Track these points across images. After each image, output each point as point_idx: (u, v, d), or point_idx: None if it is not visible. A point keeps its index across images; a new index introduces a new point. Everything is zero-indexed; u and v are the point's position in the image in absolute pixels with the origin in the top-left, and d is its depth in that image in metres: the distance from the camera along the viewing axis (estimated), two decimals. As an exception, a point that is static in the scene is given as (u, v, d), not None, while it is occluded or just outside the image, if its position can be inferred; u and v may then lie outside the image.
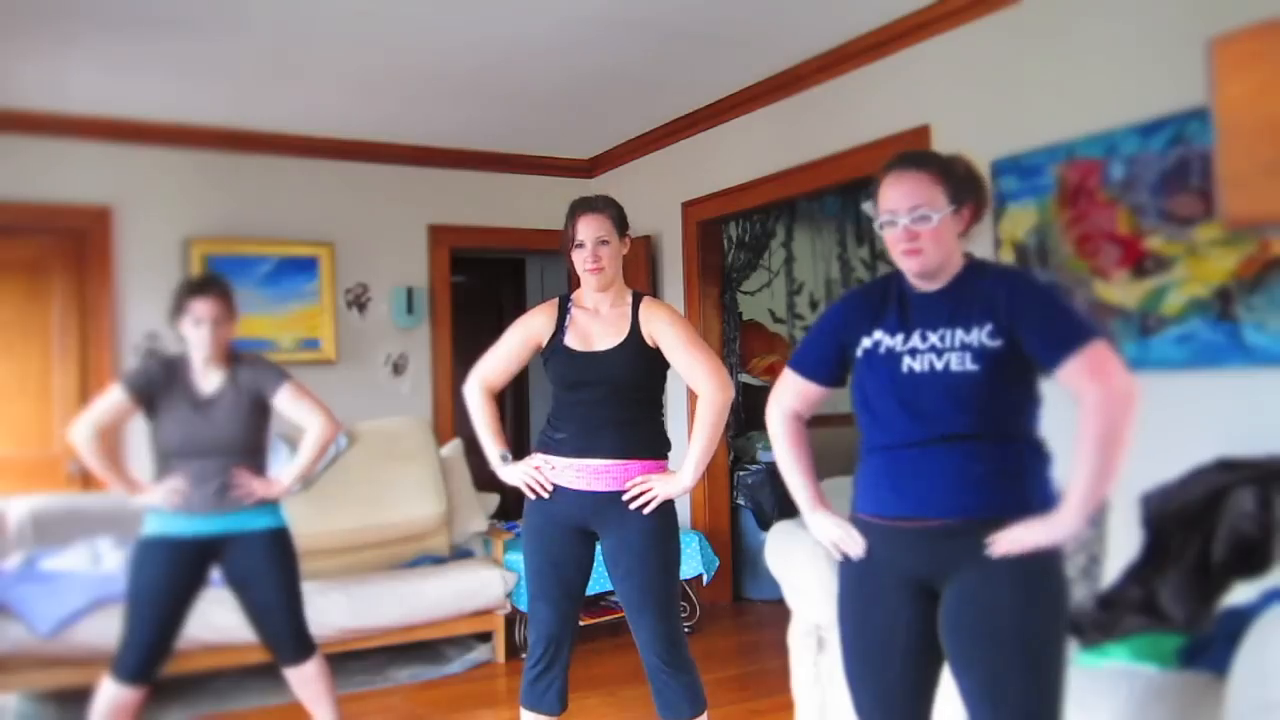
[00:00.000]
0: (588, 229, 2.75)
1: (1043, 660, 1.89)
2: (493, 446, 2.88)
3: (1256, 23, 1.62)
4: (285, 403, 3.06)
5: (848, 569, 2.12)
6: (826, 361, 2.17)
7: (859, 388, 2.10)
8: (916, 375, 1.98)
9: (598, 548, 2.82)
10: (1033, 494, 1.94)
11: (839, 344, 2.13)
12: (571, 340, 2.79)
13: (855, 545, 2.08)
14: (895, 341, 2.03)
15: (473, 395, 2.91)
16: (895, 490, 2.00)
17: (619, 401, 2.73)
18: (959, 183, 2.01)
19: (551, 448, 2.77)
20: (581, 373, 2.75)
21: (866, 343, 2.07)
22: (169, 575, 2.94)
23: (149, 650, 2.91)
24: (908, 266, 2.03)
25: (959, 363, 1.94)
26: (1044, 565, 1.92)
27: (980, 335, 1.94)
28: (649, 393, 2.79)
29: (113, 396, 3.01)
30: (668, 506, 2.75)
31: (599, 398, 2.73)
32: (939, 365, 1.96)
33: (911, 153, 2.10)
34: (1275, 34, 1.60)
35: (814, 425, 2.27)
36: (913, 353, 2.00)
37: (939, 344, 1.98)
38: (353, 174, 5.86)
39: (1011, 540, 1.88)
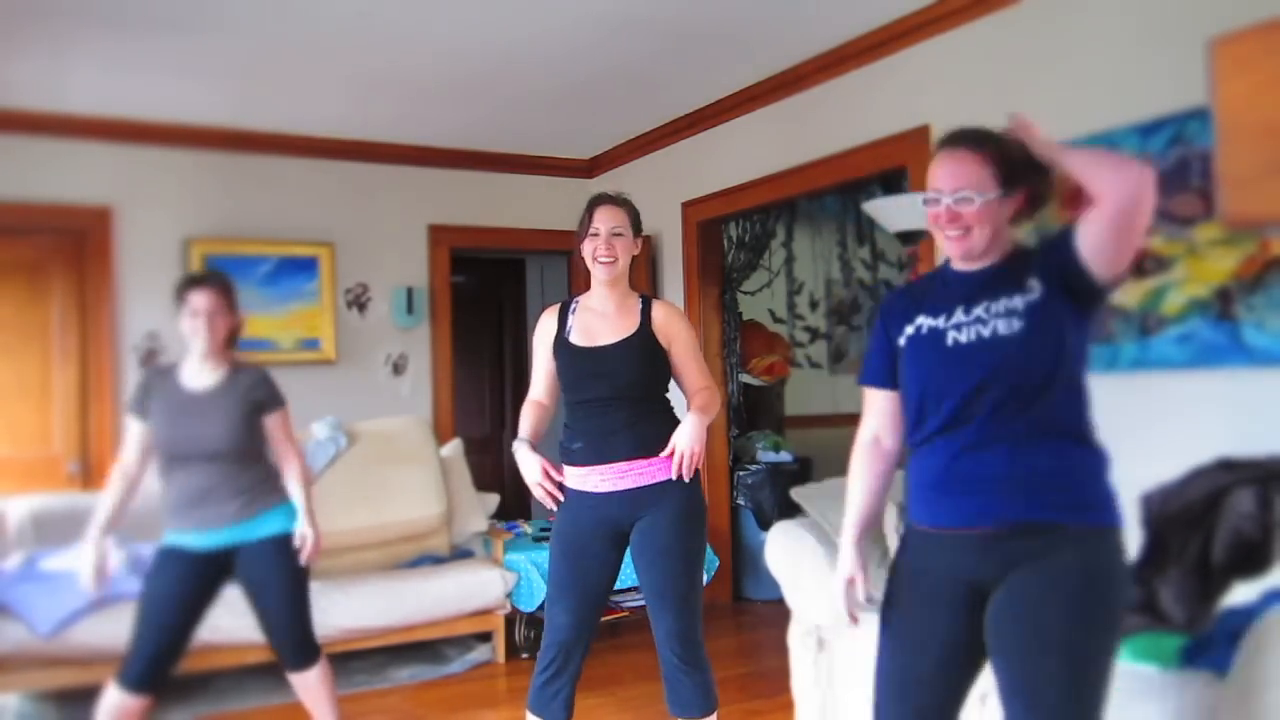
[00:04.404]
0: (603, 219, 2.75)
1: (1087, 669, 1.82)
2: (523, 433, 2.82)
3: (1256, 23, 1.63)
4: (275, 427, 3.06)
5: (900, 572, 2.06)
6: (886, 365, 2.10)
7: (904, 374, 2.04)
8: (963, 346, 1.92)
9: (626, 554, 2.81)
10: (1091, 495, 1.88)
11: (889, 341, 2.08)
12: (575, 336, 2.79)
13: (857, 608, 2.10)
14: (938, 321, 1.98)
15: (526, 404, 2.91)
16: (948, 496, 1.93)
17: (626, 402, 2.71)
18: (1013, 165, 1.94)
19: (571, 457, 2.76)
20: (585, 368, 2.74)
21: (909, 330, 2.02)
22: (179, 586, 2.93)
23: (154, 660, 2.90)
24: (950, 249, 1.98)
25: (1006, 327, 1.89)
26: (1106, 575, 1.85)
27: (1021, 298, 1.89)
28: (654, 390, 2.77)
29: (130, 430, 3.04)
30: (697, 505, 2.74)
31: (605, 398, 2.71)
32: (986, 333, 1.91)
33: (968, 130, 2.01)
34: (1275, 34, 1.60)
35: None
36: (958, 327, 1.95)
37: (984, 314, 1.92)
38: (353, 174, 5.86)
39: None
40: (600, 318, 2.79)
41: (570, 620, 2.74)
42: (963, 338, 1.93)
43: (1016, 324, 1.88)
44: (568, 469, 2.77)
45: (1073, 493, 1.86)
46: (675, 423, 2.76)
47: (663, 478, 2.69)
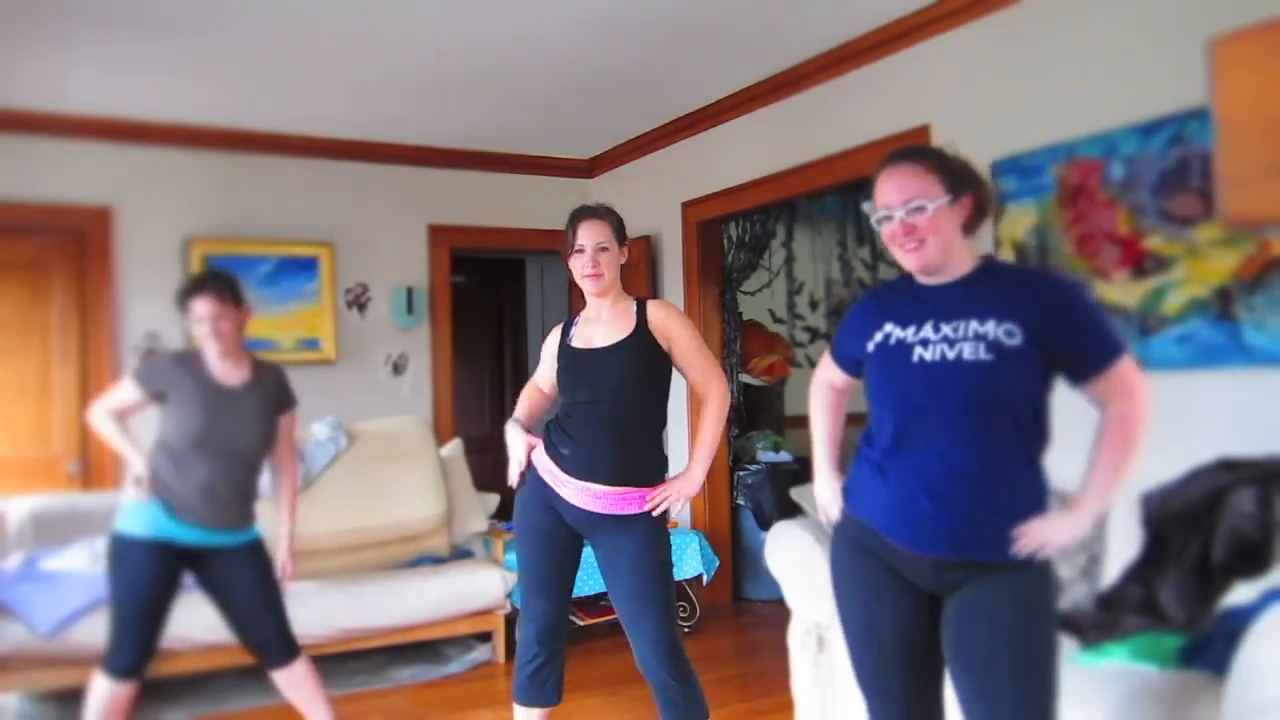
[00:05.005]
0: (587, 235, 2.76)
1: (1042, 664, 1.90)
2: (519, 409, 2.96)
3: (1256, 23, 1.63)
4: (285, 427, 3.19)
5: (840, 556, 2.14)
6: (849, 357, 2.21)
7: (870, 381, 2.09)
8: (928, 364, 1.95)
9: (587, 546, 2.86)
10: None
11: (856, 344, 2.15)
12: (575, 341, 2.83)
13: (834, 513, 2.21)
14: (906, 333, 2.01)
15: (525, 389, 3.03)
16: (899, 518, 1.99)
17: (618, 408, 2.70)
18: (955, 172, 1.98)
19: (556, 459, 2.77)
20: (581, 370, 2.76)
21: (878, 336, 2.06)
22: (154, 574, 2.96)
23: (143, 647, 2.95)
24: (908, 263, 2.00)
25: (972, 352, 1.91)
26: (1040, 568, 1.94)
27: (998, 330, 1.90)
28: (648, 396, 2.76)
29: (125, 390, 3.05)
30: (660, 522, 2.76)
31: (598, 400, 2.71)
32: (950, 355, 1.93)
33: (904, 148, 2.08)
34: (1275, 34, 1.60)
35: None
36: (924, 343, 1.97)
37: (952, 334, 1.94)
38: (353, 174, 5.86)
39: (1036, 541, 1.89)
40: (597, 323, 2.82)
41: (553, 606, 2.80)
42: (929, 355, 1.96)
43: (985, 354, 1.90)
44: (549, 464, 2.77)
45: (1017, 527, 1.92)
46: (661, 454, 2.81)
47: (633, 510, 2.70)
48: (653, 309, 2.79)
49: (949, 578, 1.97)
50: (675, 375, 2.84)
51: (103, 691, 2.92)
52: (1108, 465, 1.90)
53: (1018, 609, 1.91)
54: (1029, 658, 1.89)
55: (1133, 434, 1.90)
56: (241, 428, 3.00)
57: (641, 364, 2.73)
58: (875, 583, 2.06)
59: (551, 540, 2.78)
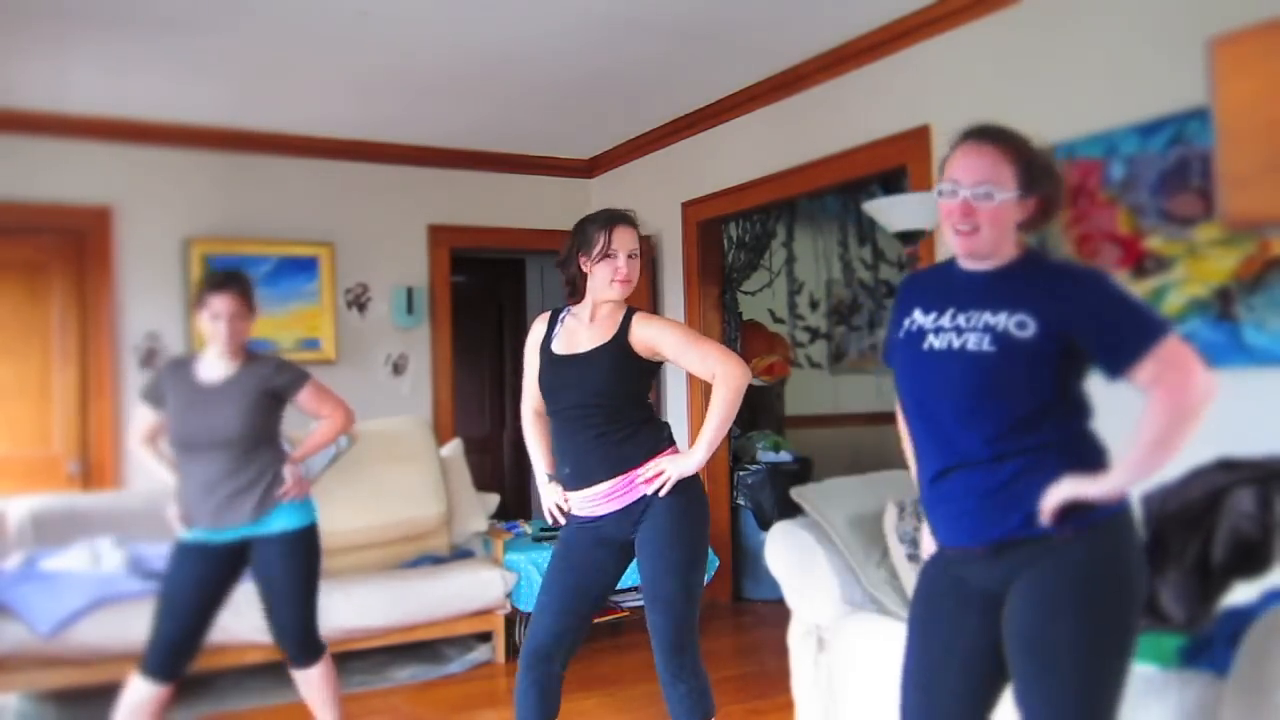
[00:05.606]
0: (623, 240, 2.71)
1: (1096, 668, 1.79)
2: (540, 467, 2.89)
3: (1256, 23, 1.63)
4: (307, 401, 3.15)
5: (926, 573, 2.06)
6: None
7: (896, 378, 2.03)
8: (936, 352, 1.89)
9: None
10: (1073, 504, 1.82)
11: (893, 337, 2.06)
12: (557, 344, 2.78)
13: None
14: (927, 320, 1.95)
15: (525, 422, 2.95)
16: (935, 516, 1.95)
17: (598, 412, 2.68)
18: (1034, 169, 1.89)
19: (562, 482, 2.78)
20: (559, 376, 2.73)
21: (906, 323, 1.99)
22: (197, 577, 3.00)
23: (174, 648, 2.97)
24: (956, 245, 1.91)
25: (976, 343, 1.84)
26: (1111, 577, 1.83)
27: (1009, 321, 1.83)
28: (627, 399, 2.72)
29: (140, 414, 3.16)
30: (692, 504, 2.71)
31: (577, 405, 2.69)
32: (956, 344, 1.87)
33: (992, 126, 1.93)
34: (1275, 34, 1.60)
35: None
36: (938, 331, 1.91)
37: (964, 324, 1.88)
38: (353, 174, 5.86)
39: (1057, 496, 1.80)
40: (584, 326, 2.77)
41: (552, 625, 2.72)
42: (938, 344, 1.91)
43: (989, 345, 1.84)
44: (566, 492, 2.80)
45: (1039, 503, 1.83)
46: (656, 429, 2.77)
47: (642, 490, 2.67)
48: (636, 319, 2.74)
49: (998, 567, 1.88)
50: (673, 377, 2.82)
51: (133, 691, 2.96)
52: (1143, 445, 1.79)
53: (1075, 603, 1.80)
54: (1084, 658, 1.79)
55: (1178, 412, 1.76)
56: (218, 417, 2.97)
57: (615, 370, 2.69)
58: (949, 606, 1.96)
59: (577, 555, 2.75)
